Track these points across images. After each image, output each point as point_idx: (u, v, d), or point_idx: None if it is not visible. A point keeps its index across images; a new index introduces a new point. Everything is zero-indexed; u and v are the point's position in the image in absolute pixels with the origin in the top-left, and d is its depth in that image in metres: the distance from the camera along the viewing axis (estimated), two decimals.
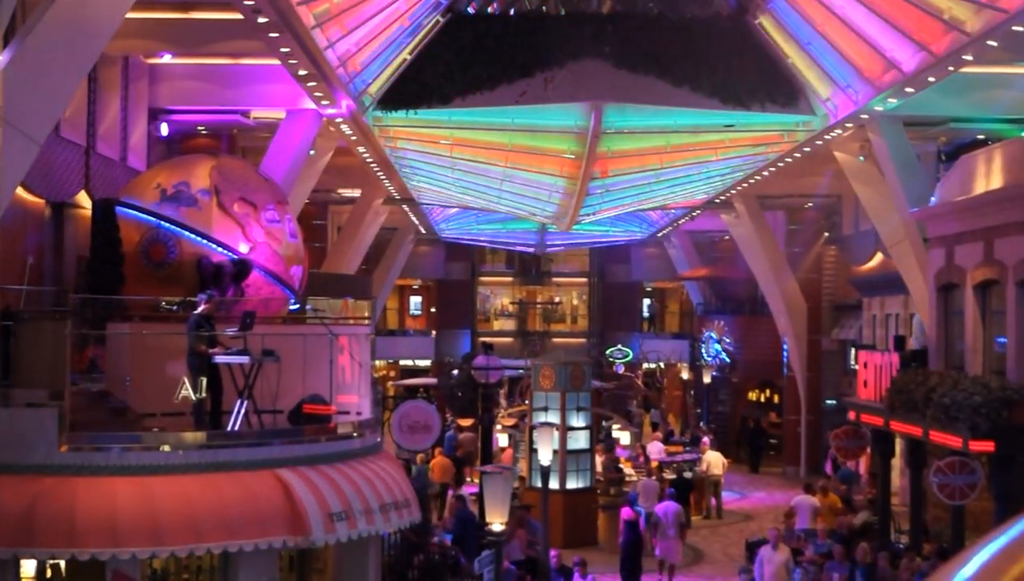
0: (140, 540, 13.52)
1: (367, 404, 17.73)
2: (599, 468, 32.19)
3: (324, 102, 24.51)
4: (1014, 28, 19.63)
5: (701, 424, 48.38)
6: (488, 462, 28.15)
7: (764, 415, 48.58)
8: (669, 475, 33.55)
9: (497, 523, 16.97)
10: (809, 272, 44.59)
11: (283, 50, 21.05)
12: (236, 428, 15.26)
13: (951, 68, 22.32)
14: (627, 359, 55.32)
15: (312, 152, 29.21)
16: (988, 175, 23.65)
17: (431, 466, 30.17)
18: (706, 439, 39.66)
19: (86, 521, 13.44)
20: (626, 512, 26.74)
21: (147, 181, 19.66)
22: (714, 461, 35.15)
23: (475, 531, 22.54)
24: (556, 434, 27.19)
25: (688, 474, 33.80)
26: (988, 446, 20.38)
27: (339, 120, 26.35)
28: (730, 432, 48.66)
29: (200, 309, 15.65)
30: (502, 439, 35.39)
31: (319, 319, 19.69)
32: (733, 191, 38.98)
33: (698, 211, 44.00)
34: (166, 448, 14.42)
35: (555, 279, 62.17)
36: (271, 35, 20.16)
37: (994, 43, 20.52)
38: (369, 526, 15.09)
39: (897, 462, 28.79)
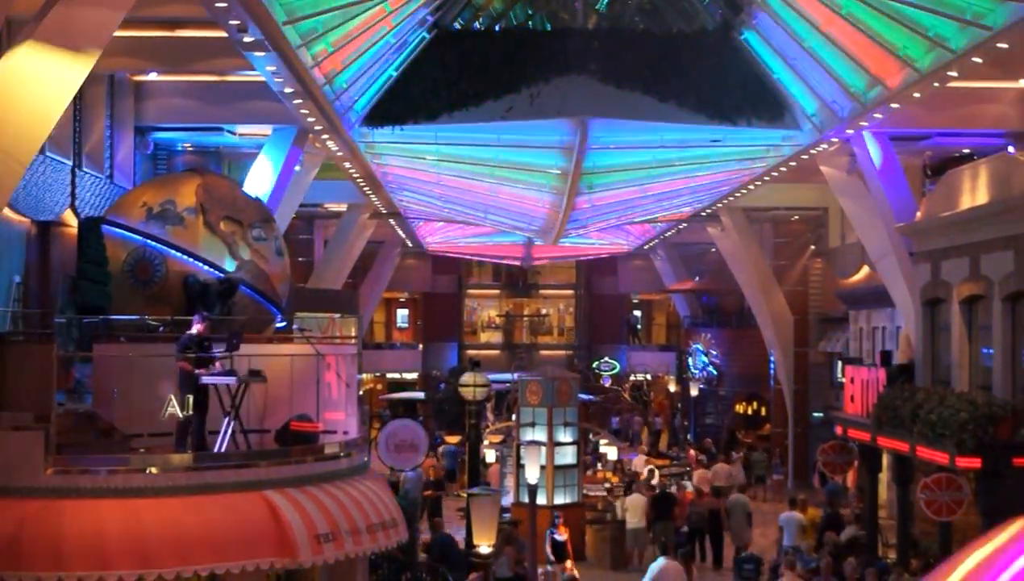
0: (127, 563, 13.44)
1: (354, 423, 17.68)
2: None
3: (310, 119, 24.49)
4: (998, 45, 19.74)
5: (689, 439, 48.41)
6: (475, 478, 28.07)
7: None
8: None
9: (484, 545, 16.93)
10: (796, 285, 44.64)
11: (269, 68, 21.03)
12: (223, 449, 15.21)
13: (936, 84, 22.41)
14: (614, 372, 55.33)
15: (298, 168, 29.18)
16: (973, 190, 23.73)
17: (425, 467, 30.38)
18: (734, 454, 40.37)
19: (73, 544, 13.37)
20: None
21: (133, 199, 19.61)
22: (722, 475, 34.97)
23: (456, 550, 22.49)
24: (543, 450, 27.13)
25: (674, 489, 33.36)
26: (975, 462, 20.39)
27: (325, 136, 26.33)
28: (718, 444, 48.60)
29: (194, 329, 15.53)
30: (489, 455, 35.31)
31: (306, 339, 19.64)
32: (720, 204, 39.04)
33: (684, 224, 44.06)
34: (153, 470, 14.34)
35: (542, 291, 62.20)
36: (256, 54, 20.14)
37: (979, 60, 20.62)
38: (356, 547, 15.03)
39: (884, 476, 28.81)
